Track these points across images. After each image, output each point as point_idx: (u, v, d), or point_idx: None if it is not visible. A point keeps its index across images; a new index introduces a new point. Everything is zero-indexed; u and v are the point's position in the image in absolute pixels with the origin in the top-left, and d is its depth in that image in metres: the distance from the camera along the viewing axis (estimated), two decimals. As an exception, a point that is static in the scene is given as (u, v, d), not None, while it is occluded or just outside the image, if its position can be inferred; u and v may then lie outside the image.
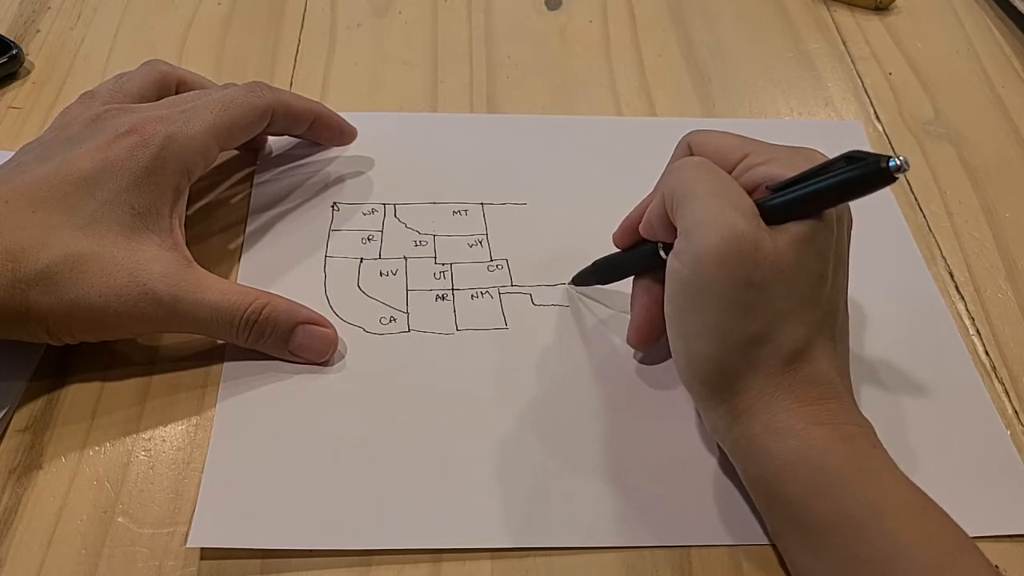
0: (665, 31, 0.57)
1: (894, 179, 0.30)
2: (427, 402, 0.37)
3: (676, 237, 0.33)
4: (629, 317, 0.38)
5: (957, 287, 0.43)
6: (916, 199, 0.47)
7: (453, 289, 0.41)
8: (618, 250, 0.39)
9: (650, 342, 0.38)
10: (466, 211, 0.45)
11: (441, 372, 0.38)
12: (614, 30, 0.57)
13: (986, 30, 0.59)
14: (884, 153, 0.30)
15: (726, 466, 0.35)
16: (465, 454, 0.35)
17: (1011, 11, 0.59)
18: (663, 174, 0.36)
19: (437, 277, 0.42)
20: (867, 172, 0.30)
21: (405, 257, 0.43)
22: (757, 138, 0.35)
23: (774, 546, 0.33)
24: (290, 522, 0.33)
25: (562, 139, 0.49)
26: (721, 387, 0.32)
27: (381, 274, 0.42)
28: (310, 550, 0.32)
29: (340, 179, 0.46)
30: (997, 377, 0.39)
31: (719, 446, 0.35)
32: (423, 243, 0.43)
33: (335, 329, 0.38)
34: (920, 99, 0.53)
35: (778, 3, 0.60)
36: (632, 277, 0.39)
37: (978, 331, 0.41)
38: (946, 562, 0.28)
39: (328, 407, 0.36)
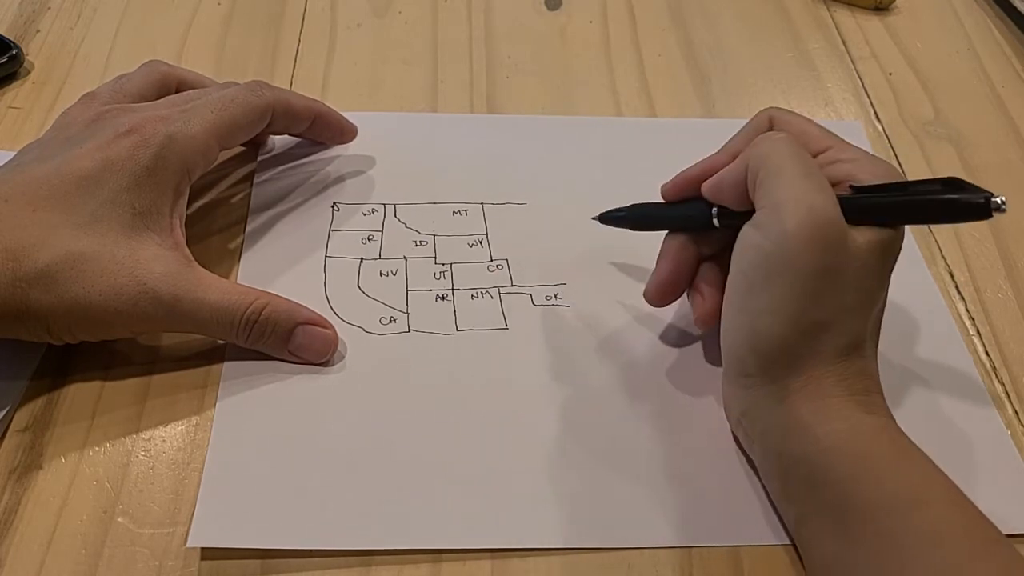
0: (665, 31, 0.57)
1: (989, 216, 0.31)
2: (427, 402, 0.37)
3: (745, 206, 0.34)
4: (654, 272, 0.38)
5: (957, 287, 0.43)
6: (916, 199, 0.47)
7: (453, 289, 0.41)
8: (660, 202, 0.38)
9: (667, 301, 0.38)
10: (466, 211, 0.45)
11: (441, 372, 0.38)
12: (614, 30, 0.57)
13: (986, 30, 0.59)
14: (983, 189, 0.31)
15: (726, 467, 0.35)
16: (465, 454, 0.35)
17: (1011, 11, 0.59)
18: (737, 140, 0.37)
19: (437, 277, 0.42)
20: (968, 201, 0.31)
21: (405, 257, 0.43)
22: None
23: (774, 546, 0.33)
24: (290, 522, 0.33)
25: (562, 139, 0.49)
26: (777, 367, 0.32)
27: (381, 274, 0.42)
28: (310, 550, 0.32)
29: (340, 179, 0.46)
30: (997, 377, 0.39)
31: (721, 447, 0.35)
32: (423, 243, 0.43)
33: (335, 329, 0.38)
34: (920, 99, 0.53)
35: (778, 3, 0.60)
36: (665, 233, 0.38)
37: (978, 331, 0.41)
38: (981, 552, 0.28)
39: (328, 407, 0.36)
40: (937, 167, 0.49)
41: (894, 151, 0.50)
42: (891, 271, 0.33)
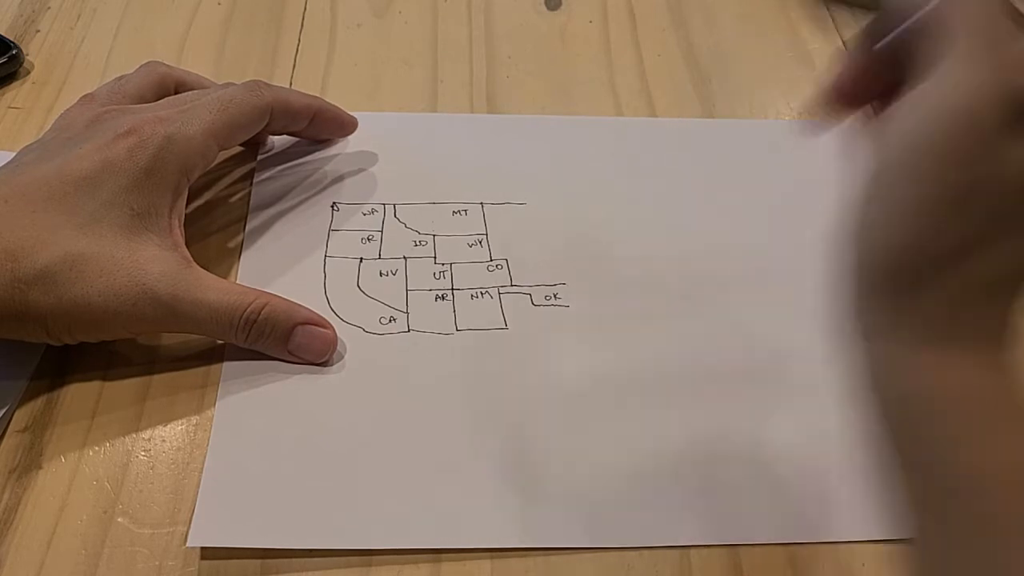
0: (665, 31, 0.57)
1: None
2: (427, 402, 0.37)
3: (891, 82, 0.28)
4: (836, 74, 0.30)
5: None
6: (916, 199, 0.47)
7: (453, 289, 0.41)
8: None
9: (843, 109, 0.30)
10: (466, 211, 0.45)
11: (441, 372, 0.38)
12: (614, 30, 0.57)
13: (986, 30, 0.59)
14: None
15: (726, 466, 0.35)
16: (465, 454, 0.35)
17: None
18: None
19: (437, 277, 0.42)
20: None
21: (405, 257, 0.43)
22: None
23: (774, 546, 0.33)
24: (290, 522, 0.33)
25: (562, 139, 0.49)
26: (905, 288, 0.26)
27: (381, 274, 0.42)
28: (310, 550, 0.32)
29: (340, 179, 0.46)
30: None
31: (722, 446, 0.35)
32: (423, 243, 0.43)
33: (334, 329, 0.38)
34: (920, 99, 0.53)
35: (778, 3, 0.60)
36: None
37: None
38: None
39: (328, 407, 0.36)
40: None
41: (894, 151, 0.50)
42: None
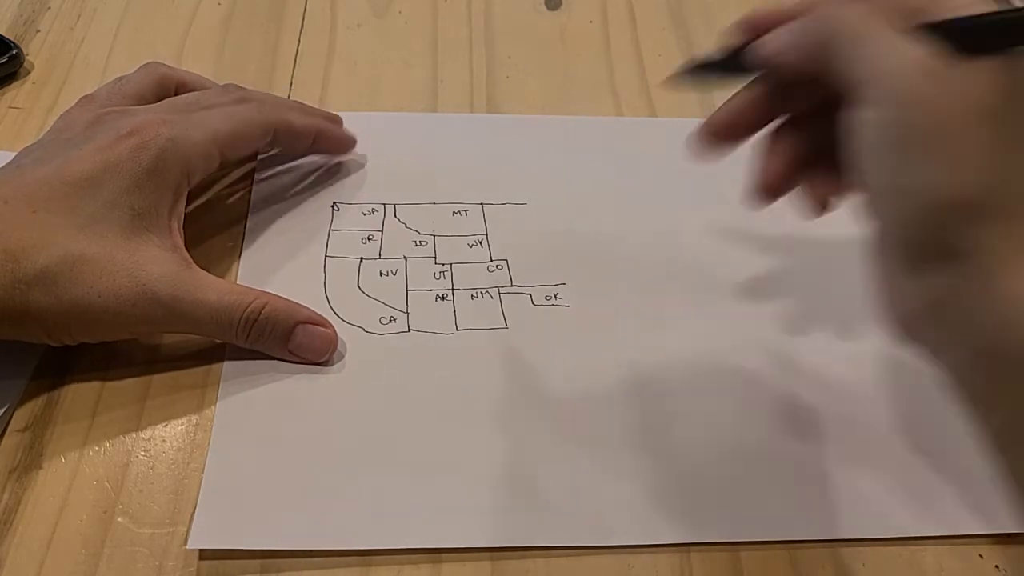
0: (665, 31, 0.57)
1: None
2: (427, 402, 0.37)
3: (811, 100, 0.30)
4: (757, 170, 0.33)
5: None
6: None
7: (453, 289, 0.41)
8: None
9: (724, 141, 0.33)
10: (466, 211, 0.45)
11: (441, 372, 0.38)
12: (614, 30, 0.57)
13: (986, 30, 0.59)
14: None
15: (727, 465, 0.35)
16: (465, 454, 0.35)
17: (1011, 11, 0.59)
18: (802, 23, 0.30)
19: (437, 277, 0.42)
20: None
21: (405, 257, 0.43)
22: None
23: (774, 546, 0.33)
24: (290, 522, 0.33)
25: (562, 139, 0.49)
26: (959, 239, 0.26)
27: (381, 274, 0.42)
28: (310, 550, 0.32)
29: (340, 179, 0.46)
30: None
31: (722, 445, 0.35)
32: (423, 243, 0.43)
33: (334, 329, 0.38)
34: (920, 99, 0.53)
35: (778, 3, 0.60)
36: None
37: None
38: None
39: (328, 407, 0.36)
40: (937, 167, 0.49)
41: (894, 151, 0.50)
42: None
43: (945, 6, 0.27)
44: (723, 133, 0.33)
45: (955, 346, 0.27)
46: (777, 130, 0.33)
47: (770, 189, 0.32)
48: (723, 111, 0.32)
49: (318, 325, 0.38)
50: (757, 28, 0.31)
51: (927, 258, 0.27)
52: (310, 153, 0.46)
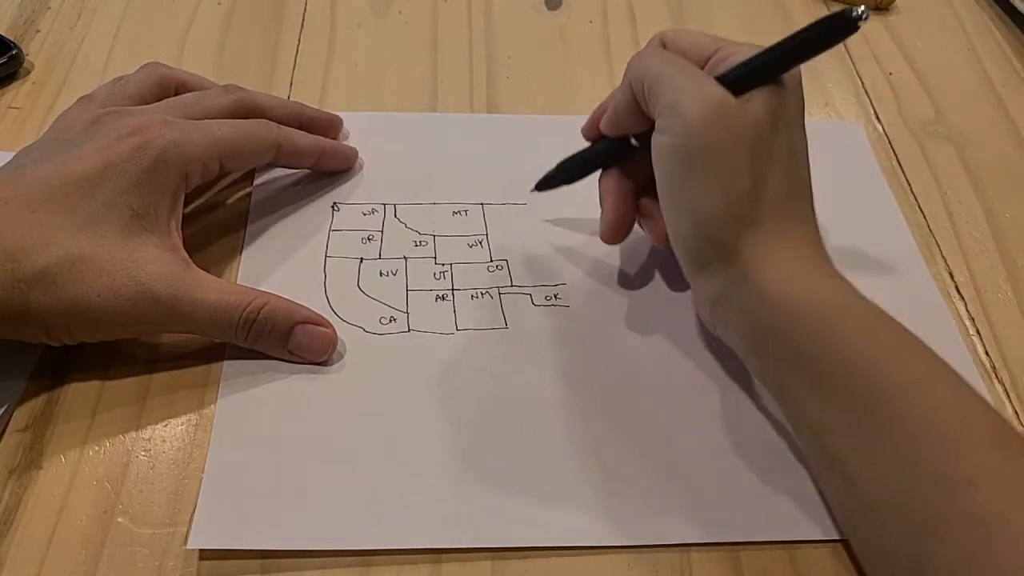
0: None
1: (855, 28, 0.32)
2: (427, 402, 0.37)
3: (644, 125, 0.36)
4: (602, 213, 0.40)
5: (957, 287, 0.43)
6: (916, 199, 0.47)
7: (453, 289, 0.41)
8: (582, 148, 0.41)
9: (622, 236, 0.40)
10: (466, 211, 0.45)
11: (441, 372, 0.38)
12: (614, 30, 0.57)
13: (986, 30, 0.59)
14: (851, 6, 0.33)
15: (727, 465, 0.35)
16: (465, 454, 0.35)
17: (1011, 11, 0.59)
18: (627, 69, 0.37)
19: (437, 277, 0.42)
20: (829, 21, 0.33)
21: (405, 257, 0.43)
22: None
23: (773, 546, 0.33)
24: (290, 522, 0.33)
25: (562, 139, 0.49)
26: (728, 245, 0.34)
27: (381, 274, 0.42)
28: (310, 550, 0.32)
29: (340, 179, 0.46)
30: (997, 378, 0.39)
31: (722, 445, 0.35)
32: (423, 243, 0.43)
33: (334, 329, 0.38)
34: (920, 99, 0.53)
35: (778, 3, 0.60)
36: (599, 175, 0.40)
37: (978, 331, 0.41)
38: (954, 392, 0.30)
39: (328, 407, 0.36)
40: (937, 167, 0.49)
41: (894, 151, 0.50)
42: (797, 123, 0.35)
43: (728, 51, 0.35)
44: (624, 230, 0.40)
45: (738, 331, 0.35)
46: (607, 173, 0.40)
47: (618, 227, 0.39)
48: (607, 209, 0.40)
49: (318, 325, 0.38)
50: (594, 122, 0.40)
51: (708, 262, 0.35)
52: (313, 169, 0.46)
